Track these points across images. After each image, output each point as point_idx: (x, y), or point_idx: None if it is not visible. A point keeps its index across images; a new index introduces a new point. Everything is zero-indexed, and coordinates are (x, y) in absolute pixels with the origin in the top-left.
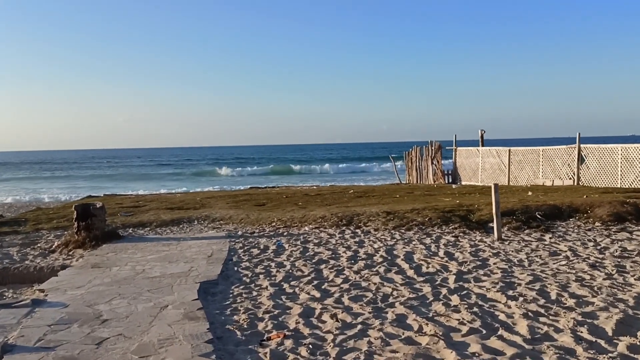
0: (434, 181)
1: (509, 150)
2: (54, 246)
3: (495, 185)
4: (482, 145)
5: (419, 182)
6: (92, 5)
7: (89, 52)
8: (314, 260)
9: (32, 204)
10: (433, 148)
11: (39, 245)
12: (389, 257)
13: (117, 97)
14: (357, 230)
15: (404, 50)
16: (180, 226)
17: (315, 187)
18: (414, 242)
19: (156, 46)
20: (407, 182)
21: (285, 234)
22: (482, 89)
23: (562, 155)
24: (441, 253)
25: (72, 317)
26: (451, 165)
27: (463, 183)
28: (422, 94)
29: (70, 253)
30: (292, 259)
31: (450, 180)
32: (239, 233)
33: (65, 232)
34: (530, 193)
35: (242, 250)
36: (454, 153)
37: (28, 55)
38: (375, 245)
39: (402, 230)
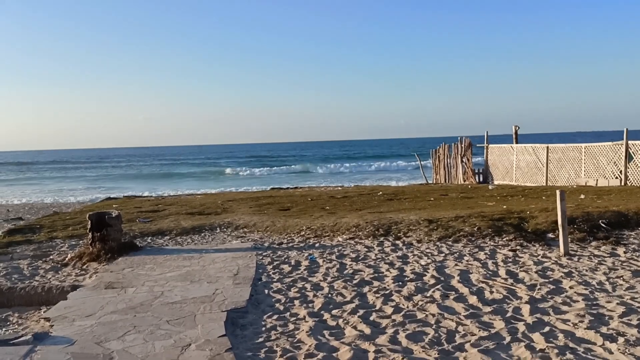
0: (464, 180)
1: (547, 147)
2: (67, 259)
3: (562, 192)
4: (516, 142)
5: (447, 181)
6: (109, 3)
7: (108, 50)
8: (354, 281)
9: (53, 205)
10: (463, 145)
11: (51, 257)
12: (442, 278)
13: (136, 96)
14: (398, 242)
15: (422, 41)
16: (202, 234)
17: (340, 188)
18: (466, 258)
19: (175, 45)
20: (435, 181)
21: (317, 245)
22: (506, 81)
23: (608, 152)
24: (502, 272)
25: (78, 359)
26: (481, 163)
27: (495, 182)
28: (441, 88)
29: (84, 267)
30: (329, 278)
31: (481, 180)
32: (266, 244)
33: (81, 242)
34: (583, 196)
35: (271, 266)
36: (485, 150)
37: (47, 56)
38: (422, 262)
39: (449, 242)
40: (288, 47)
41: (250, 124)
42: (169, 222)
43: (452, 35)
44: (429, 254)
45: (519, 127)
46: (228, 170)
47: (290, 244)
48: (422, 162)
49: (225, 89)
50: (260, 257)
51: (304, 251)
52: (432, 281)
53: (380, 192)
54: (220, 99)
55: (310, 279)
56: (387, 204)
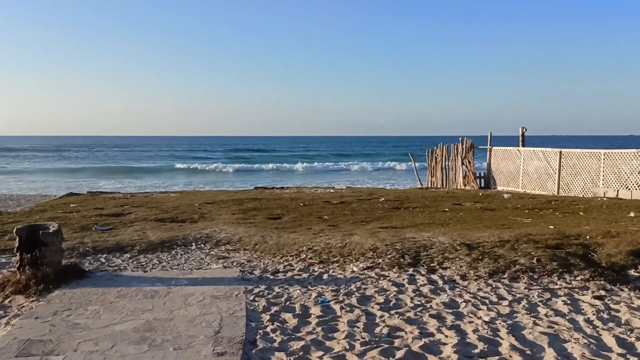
0: (464, 185)
1: (560, 152)
2: None
3: None
4: (523, 145)
5: (444, 185)
6: None
7: (89, 40)
8: (397, 355)
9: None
10: (464, 146)
11: None
12: (527, 349)
13: (115, 85)
14: (434, 277)
15: (405, 35)
16: (173, 252)
17: (332, 191)
18: (542, 310)
19: (155, 38)
20: (431, 185)
21: (324, 277)
22: (506, 80)
23: (631, 160)
24: (610, 341)
25: None
26: (482, 167)
27: (499, 188)
28: (425, 86)
29: (8, 301)
30: (357, 345)
31: (483, 185)
32: (256, 272)
33: (13, 260)
34: (633, 214)
35: (268, 316)
36: (488, 153)
37: (30, 46)
38: (484, 315)
39: (505, 281)
40: (270, 42)
41: (231, 117)
42: (132, 232)
43: (450, 29)
44: (487, 301)
45: (526, 129)
46: (207, 167)
47: (289, 274)
48: (416, 164)
49: (207, 81)
50: (251, 297)
51: (310, 288)
52: (516, 357)
53: (382, 198)
54: (200, 91)
55: (328, 344)
56: (396, 215)
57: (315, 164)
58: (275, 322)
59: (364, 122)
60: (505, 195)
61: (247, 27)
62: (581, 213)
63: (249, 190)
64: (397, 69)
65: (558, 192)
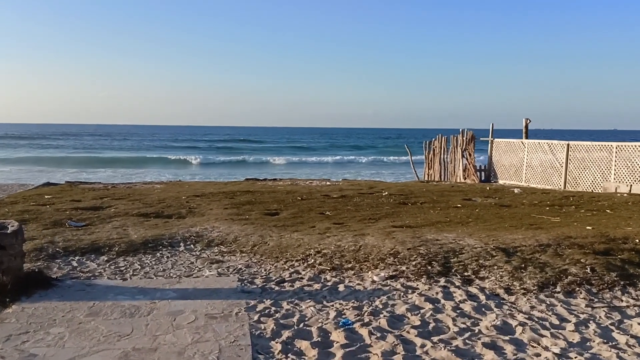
0: (464, 178)
1: (568, 145)
2: None
3: None
4: (527, 137)
5: (443, 178)
6: None
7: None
8: None
9: None
10: (465, 138)
11: None
12: None
13: (98, 73)
14: (472, 289)
15: (394, 26)
16: (158, 255)
17: (329, 184)
18: (619, 337)
19: (140, 26)
20: (428, 178)
21: (340, 288)
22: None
23: None
24: None
25: None
26: (482, 160)
27: (500, 182)
28: (416, 78)
29: None
30: None
31: (484, 178)
32: (258, 281)
33: None
34: None
35: (279, 344)
36: (489, 145)
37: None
38: (550, 344)
39: (560, 296)
40: (256, 31)
41: (215, 106)
42: (111, 229)
43: (445, 18)
44: (546, 324)
45: (530, 120)
46: (193, 158)
47: (298, 284)
48: (412, 157)
49: (192, 70)
50: (256, 317)
51: (325, 303)
52: None
53: (385, 192)
54: (185, 80)
55: None
56: (406, 212)
57: (305, 156)
58: (290, 355)
59: (352, 113)
60: (516, 190)
61: (234, 16)
62: (609, 211)
63: (239, 182)
64: (387, 58)
65: (565, 187)
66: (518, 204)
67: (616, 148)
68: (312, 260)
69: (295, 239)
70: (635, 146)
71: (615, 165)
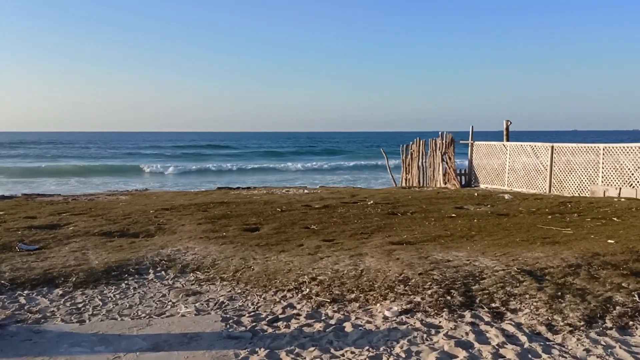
0: (444, 183)
1: (552, 147)
2: None
3: None
4: (508, 139)
5: (422, 184)
6: None
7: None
8: None
9: None
10: (444, 141)
11: None
12: None
13: (58, 79)
14: (507, 327)
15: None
16: (123, 286)
17: (307, 192)
18: None
19: (100, 30)
20: (406, 183)
21: (347, 328)
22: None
23: (635, 154)
24: None
25: None
26: (460, 164)
27: (481, 186)
28: (381, 81)
29: None
30: None
31: (465, 182)
32: (246, 322)
33: None
34: None
35: None
36: (470, 148)
37: None
38: None
39: (614, 333)
40: (219, 36)
41: (182, 112)
42: (68, 253)
43: (414, 18)
44: None
45: (511, 122)
46: (160, 166)
47: (295, 323)
48: (389, 162)
49: (153, 75)
50: None
51: (333, 351)
52: None
53: (371, 201)
54: (146, 85)
55: None
56: (398, 224)
57: (276, 162)
58: None
59: (317, 117)
60: (506, 196)
61: (198, 21)
62: (615, 219)
63: (211, 192)
64: (353, 62)
65: (550, 191)
66: (515, 212)
67: (603, 150)
68: (307, 289)
69: (284, 262)
70: (623, 148)
71: (603, 168)
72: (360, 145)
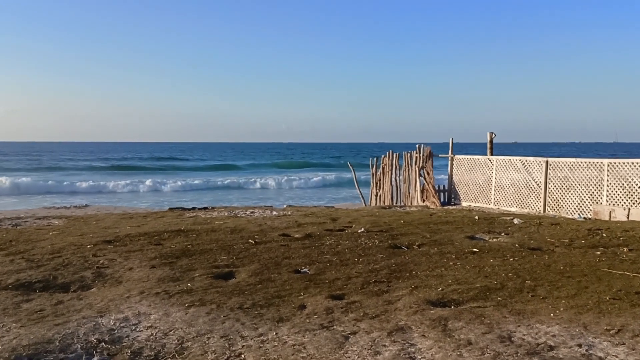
0: (422, 201)
1: (547, 162)
2: None
3: None
4: (492, 152)
5: (396, 201)
6: None
7: None
8: None
9: None
10: (422, 155)
11: None
12: None
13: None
14: None
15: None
16: None
17: (277, 215)
18: None
19: (45, 34)
20: (377, 201)
21: None
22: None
23: None
24: None
25: None
26: (438, 179)
27: (463, 204)
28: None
29: None
30: None
31: (445, 200)
32: None
33: None
34: None
35: None
36: (449, 162)
37: None
38: None
39: None
40: (161, 44)
41: (119, 121)
42: None
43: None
44: None
45: (495, 135)
46: (107, 182)
47: None
48: (356, 176)
49: (96, 84)
50: None
51: None
52: None
53: (361, 229)
54: (90, 93)
55: None
56: (414, 264)
57: (231, 175)
58: None
59: (269, 128)
60: (515, 221)
61: (147, 30)
62: None
63: (162, 213)
64: (306, 71)
65: (544, 210)
66: (547, 245)
67: (608, 166)
68: None
69: (292, 347)
70: (632, 163)
71: (607, 186)
72: (315, 156)
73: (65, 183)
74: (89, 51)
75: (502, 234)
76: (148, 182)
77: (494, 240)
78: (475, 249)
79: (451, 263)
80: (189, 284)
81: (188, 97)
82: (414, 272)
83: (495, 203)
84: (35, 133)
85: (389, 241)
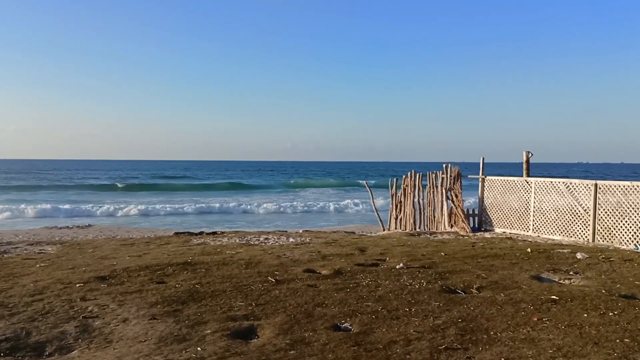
0: (450, 226)
1: (596, 184)
2: None
3: None
4: (528, 173)
5: (419, 226)
6: None
7: None
8: None
9: None
10: (450, 175)
11: None
12: None
13: (7, 105)
14: None
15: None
16: None
17: (295, 243)
18: None
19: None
20: (397, 225)
21: None
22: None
23: None
24: None
25: None
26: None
27: (497, 230)
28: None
29: None
30: None
31: (475, 225)
32: None
33: None
34: None
35: None
36: (480, 184)
37: None
38: None
39: None
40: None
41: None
42: None
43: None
44: None
45: (532, 154)
46: (111, 205)
47: None
48: (374, 199)
49: (104, 103)
50: None
51: None
52: None
53: (399, 264)
54: (98, 113)
55: None
56: (488, 319)
57: (240, 194)
58: None
59: (270, 146)
60: (579, 255)
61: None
62: None
63: (167, 239)
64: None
65: (593, 239)
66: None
67: None
68: None
69: None
70: None
71: None
72: (324, 175)
73: (66, 206)
74: (100, 72)
75: (571, 272)
76: (153, 200)
77: (568, 282)
78: (553, 297)
79: (535, 319)
80: (198, 348)
81: (196, 116)
82: (491, 333)
83: (535, 230)
84: (44, 151)
85: (438, 282)
